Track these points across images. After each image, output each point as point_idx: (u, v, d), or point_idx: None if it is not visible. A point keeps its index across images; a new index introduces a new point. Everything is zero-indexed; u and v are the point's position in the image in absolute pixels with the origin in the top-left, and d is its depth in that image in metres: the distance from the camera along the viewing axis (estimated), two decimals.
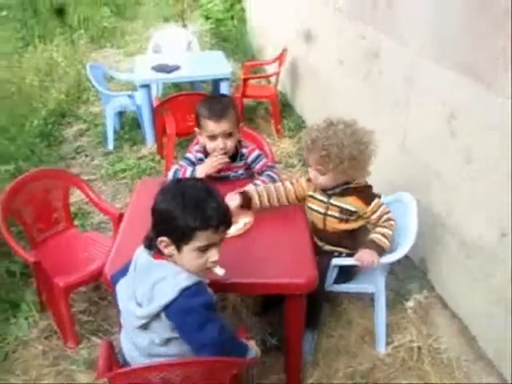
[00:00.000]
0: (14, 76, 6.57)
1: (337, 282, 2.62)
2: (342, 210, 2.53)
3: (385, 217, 2.52)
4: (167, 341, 1.78)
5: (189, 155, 2.91)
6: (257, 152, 2.89)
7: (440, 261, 3.03)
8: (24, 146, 4.82)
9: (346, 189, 2.52)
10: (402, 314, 2.99)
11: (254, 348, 1.96)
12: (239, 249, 2.25)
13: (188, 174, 2.74)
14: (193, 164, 2.84)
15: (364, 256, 2.48)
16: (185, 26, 8.17)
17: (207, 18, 8.61)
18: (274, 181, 2.74)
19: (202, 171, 2.73)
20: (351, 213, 2.52)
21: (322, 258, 2.46)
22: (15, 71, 6.76)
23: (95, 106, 6.37)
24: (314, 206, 2.61)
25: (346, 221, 2.55)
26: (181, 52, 6.11)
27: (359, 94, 3.87)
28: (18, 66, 7.02)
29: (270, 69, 5.96)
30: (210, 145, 2.76)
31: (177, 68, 5.15)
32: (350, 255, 2.57)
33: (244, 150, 2.86)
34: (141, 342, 1.81)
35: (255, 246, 2.32)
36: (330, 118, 2.45)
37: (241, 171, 2.89)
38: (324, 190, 2.56)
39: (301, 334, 2.40)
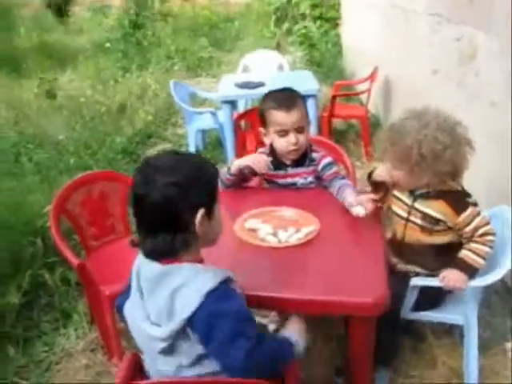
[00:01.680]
0: (107, 99, 6.74)
1: (417, 308, 2.21)
2: (425, 217, 2.14)
3: (481, 230, 2.09)
4: (199, 358, 1.47)
5: None
6: (330, 159, 2.56)
7: None
8: (103, 161, 4.79)
9: (431, 191, 2.13)
10: (500, 357, 2.50)
11: (300, 338, 1.67)
12: (296, 261, 1.95)
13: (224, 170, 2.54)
14: None
15: (449, 276, 2.06)
16: (278, 47, 8.07)
17: (301, 43, 8.50)
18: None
19: (238, 161, 2.50)
20: (436, 221, 2.12)
21: (395, 279, 2.06)
22: (108, 94, 6.94)
23: (183, 128, 6.34)
24: (396, 209, 2.26)
25: (430, 232, 2.15)
26: (270, 72, 5.94)
27: (453, 102, 3.47)
28: (112, 89, 7.22)
29: (362, 89, 5.63)
30: (280, 142, 2.47)
31: (261, 85, 4.96)
32: (430, 276, 2.16)
33: (315, 155, 2.55)
34: (166, 368, 1.51)
35: (316, 258, 1.99)
36: (422, 109, 2.10)
37: (310, 179, 2.56)
38: (410, 191, 2.19)
39: (368, 366, 2.01)
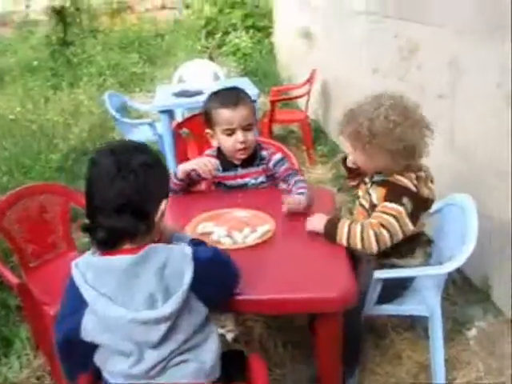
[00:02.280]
0: (39, 117, 6.46)
1: (378, 302, 2.13)
2: (370, 201, 2.11)
3: (374, 221, 1.97)
4: (195, 332, 1.46)
5: None
6: (280, 155, 2.48)
7: (507, 278, 2.51)
8: (39, 179, 4.53)
9: (384, 180, 2.08)
10: (463, 346, 2.48)
11: None
12: (256, 261, 1.85)
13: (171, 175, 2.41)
14: None
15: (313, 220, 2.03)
16: (211, 58, 8.02)
17: (234, 54, 8.48)
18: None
19: (188, 163, 2.41)
20: (373, 206, 2.08)
21: (361, 267, 2.00)
22: (39, 113, 6.66)
23: None
24: (360, 192, 2.25)
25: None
26: (206, 81, 5.84)
27: None
28: (44, 108, 6.94)
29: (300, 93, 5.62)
30: (227, 142, 2.36)
31: (199, 93, 4.85)
32: (381, 265, 2.11)
33: (264, 153, 2.46)
34: (158, 359, 1.41)
35: (276, 257, 1.91)
36: (379, 93, 2.07)
37: (261, 178, 2.47)
38: (371, 176, 2.17)
39: (337, 368, 1.92)
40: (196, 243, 1.68)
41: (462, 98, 2.73)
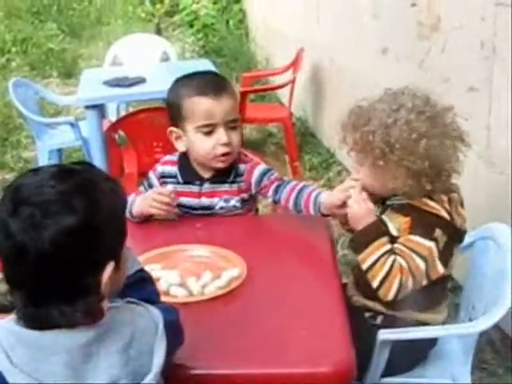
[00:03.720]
0: None
1: (389, 372, 2.17)
2: (386, 232, 2.14)
3: (404, 264, 2.03)
4: None
5: (150, 174, 2.59)
6: (263, 166, 2.54)
7: None
8: None
9: (406, 204, 2.14)
10: None
11: None
12: (219, 320, 1.89)
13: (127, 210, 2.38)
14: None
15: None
16: (158, 31, 8.09)
17: (191, 25, 8.55)
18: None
19: (139, 206, 2.43)
20: (393, 240, 2.11)
21: (360, 327, 2.05)
22: None
23: (29, 150, 6.26)
24: None
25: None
26: (151, 64, 5.93)
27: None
28: None
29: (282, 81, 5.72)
30: (203, 143, 2.40)
31: (140, 81, 4.94)
32: (391, 320, 2.16)
33: (242, 167, 2.51)
34: None
35: (246, 314, 1.95)
36: (399, 89, 2.14)
37: (234, 202, 2.51)
38: (383, 200, 2.21)
39: None
40: (140, 278, 1.68)
41: (500, 91, 2.83)
